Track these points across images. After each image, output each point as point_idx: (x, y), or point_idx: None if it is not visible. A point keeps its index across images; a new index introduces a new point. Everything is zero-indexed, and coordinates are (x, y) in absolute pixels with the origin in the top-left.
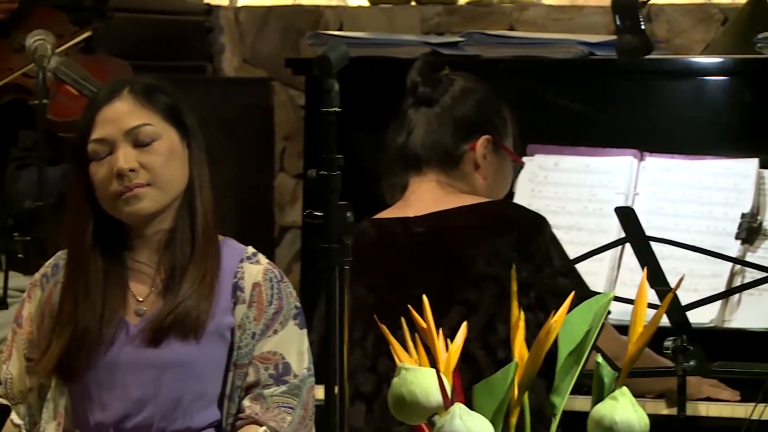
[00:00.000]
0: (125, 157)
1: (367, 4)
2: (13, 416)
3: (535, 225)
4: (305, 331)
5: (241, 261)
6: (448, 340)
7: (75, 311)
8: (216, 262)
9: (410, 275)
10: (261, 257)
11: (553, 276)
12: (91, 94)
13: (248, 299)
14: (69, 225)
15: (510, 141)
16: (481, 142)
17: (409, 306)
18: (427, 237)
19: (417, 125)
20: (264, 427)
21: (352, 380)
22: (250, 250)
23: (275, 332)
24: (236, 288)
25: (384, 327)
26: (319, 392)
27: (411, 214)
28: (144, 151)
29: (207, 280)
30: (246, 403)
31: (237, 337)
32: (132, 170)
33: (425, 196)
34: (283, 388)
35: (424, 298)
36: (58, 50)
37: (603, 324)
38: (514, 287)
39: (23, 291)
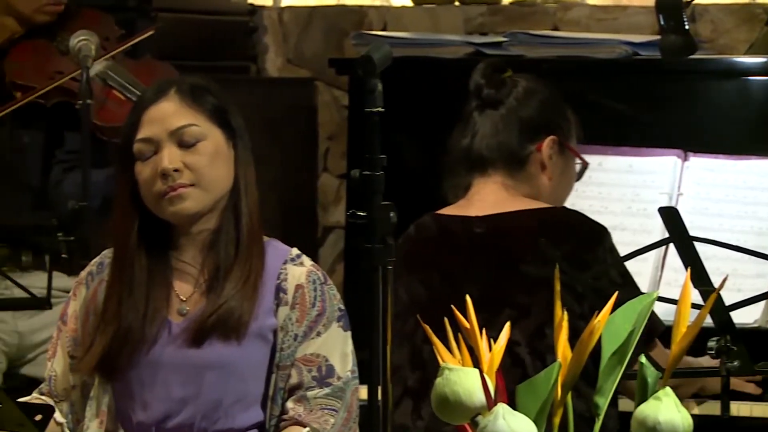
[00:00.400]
0: (170, 156)
1: (410, 4)
2: (56, 414)
3: (595, 234)
4: (349, 333)
5: (285, 263)
6: (491, 341)
7: (119, 309)
8: (260, 263)
9: (465, 274)
10: (305, 259)
11: (608, 286)
12: (143, 87)
13: (291, 301)
14: (115, 224)
15: (574, 142)
16: (547, 143)
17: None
18: (485, 237)
19: (482, 127)
20: (307, 429)
21: (399, 375)
22: (294, 251)
23: (318, 334)
24: (279, 290)
25: (427, 327)
26: (363, 392)
27: (472, 214)
28: (189, 152)
29: (251, 280)
30: (289, 404)
31: (279, 338)
32: (176, 170)
33: (488, 197)
34: (327, 390)
35: (468, 298)
36: (114, 52)
37: (654, 342)
38: (557, 287)
39: (67, 291)
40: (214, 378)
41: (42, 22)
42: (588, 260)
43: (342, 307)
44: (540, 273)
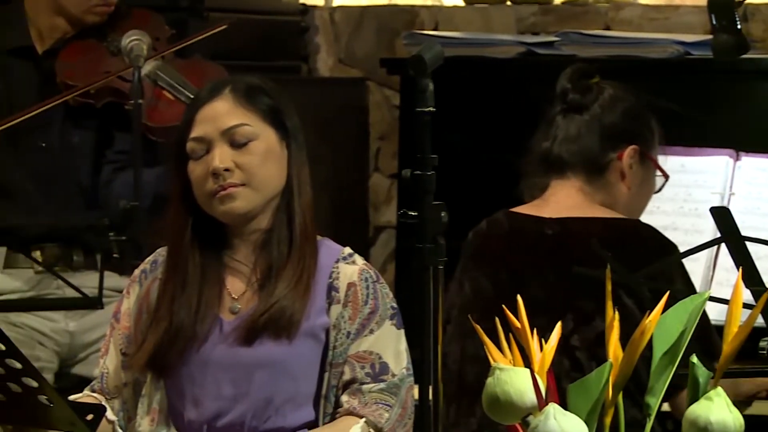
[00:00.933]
0: (221, 156)
1: (462, 3)
2: (108, 412)
3: (665, 249)
4: (402, 331)
5: (337, 261)
6: (543, 341)
7: (171, 307)
8: (313, 262)
9: (532, 274)
10: (357, 258)
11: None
12: (194, 93)
13: (343, 299)
14: (169, 222)
15: (656, 153)
16: (629, 152)
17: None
18: (556, 240)
19: (565, 131)
20: (363, 420)
21: (457, 370)
22: (347, 250)
23: (371, 332)
24: (331, 288)
25: (478, 327)
26: (414, 391)
27: (546, 215)
28: (240, 151)
29: (303, 280)
30: (344, 398)
31: (332, 337)
32: (227, 170)
33: (564, 200)
34: (382, 385)
35: (519, 299)
36: (177, 47)
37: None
38: (609, 287)
39: (118, 291)
40: (264, 376)
41: (92, 22)
42: (655, 273)
43: (395, 305)
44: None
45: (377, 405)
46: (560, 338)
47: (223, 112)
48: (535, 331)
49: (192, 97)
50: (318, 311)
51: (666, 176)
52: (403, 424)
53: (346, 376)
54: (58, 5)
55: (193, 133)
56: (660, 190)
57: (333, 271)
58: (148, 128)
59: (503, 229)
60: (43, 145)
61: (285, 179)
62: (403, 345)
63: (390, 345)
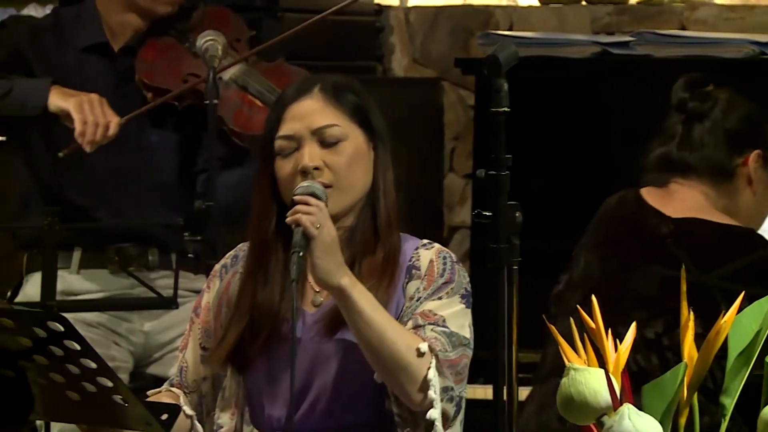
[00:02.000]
0: (311, 154)
1: (537, 3)
2: (185, 407)
3: None
4: (469, 312)
5: (417, 248)
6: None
7: (253, 300)
8: (396, 258)
9: (640, 268)
10: (436, 244)
11: None
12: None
13: (422, 274)
14: (253, 217)
15: None
16: (753, 157)
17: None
18: (672, 239)
19: (687, 138)
20: (427, 343)
21: (553, 350)
22: (426, 240)
23: (440, 298)
24: (411, 268)
25: (552, 326)
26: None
27: (668, 213)
28: (329, 151)
29: (387, 273)
30: None
31: (405, 307)
32: (316, 168)
33: (689, 201)
34: (444, 329)
35: (593, 298)
36: (259, 50)
37: None
38: (684, 287)
39: (193, 291)
40: (343, 368)
41: (163, 13)
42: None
43: (469, 288)
44: (711, 288)
45: (435, 339)
46: (653, 336)
47: (313, 111)
48: (634, 324)
49: None
50: (398, 298)
51: None
52: (453, 371)
53: (408, 326)
54: (127, 0)
55: (282, 131)
56: None
57: (413, 256)
58: (236, 134)
59: (628, 212)
60: (121, 144)
61: (371, 182)
62: (468, 322)
63: (456, 317)
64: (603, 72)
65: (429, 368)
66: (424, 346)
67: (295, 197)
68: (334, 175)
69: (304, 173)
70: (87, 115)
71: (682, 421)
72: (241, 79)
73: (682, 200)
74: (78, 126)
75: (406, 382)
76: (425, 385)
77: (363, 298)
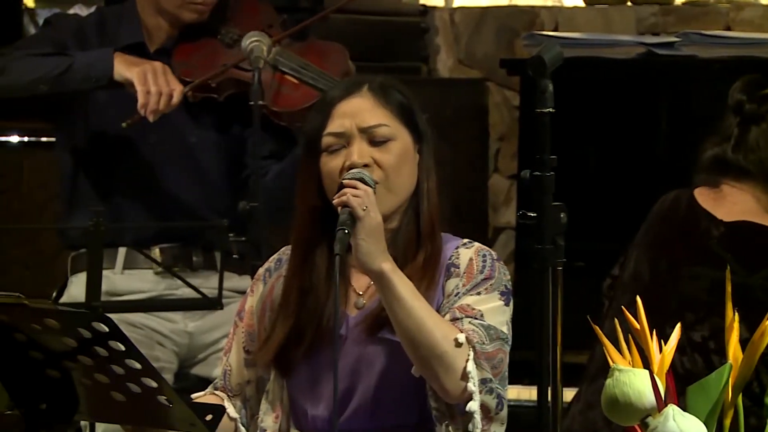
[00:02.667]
0: (360, 152)
1: (582, 4)
2: (230, 410)
3: None
4: (508, 309)
5: (457, 247)
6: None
7: (298, 302)
8: (437, 261)
9: (689, 270)
10: (477, 243)
11: None
12: (317, 74)
13: (461, 272)
14: (297, 215)
15: None
16: None
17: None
18: (721, 242)
19: (743, 140)
20: (465, 334)
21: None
22: (466, 240)
23: (478, 293)
24: (451, 266)
25: (598, 329)
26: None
27: (719, 216)
28: (378, 149)
29: (428, 275)
30: None
31: (443, 303)
32: (366, 165)
33: (740, 204)
34: (482, 322)
35: (638, 299)
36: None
37: None
38: (729, 288)
39: (238, 291)
40: (388, 369)
41: (189, 20)
42: None
43: (509, 286)
44: (758, 292)
45: (473, 331)
46: (700, 340)
47: (363, 110)
48: (678, 326)
49: (315, 77)
50: (438, 296)
51: None
52: (490, 363)
53: (446, 318)
54: (157, 4)
55: (331, 128)
56: None
57: (453, 254)
58: (275, 114)
59: (682, 214)
60: (162, 142)
61: (415, 183)
62: (506, 318)
63: (493, 311)
64: (648, 73)
65: (468, 360)
66: (461, 337)
67: (345, 181)
68: (384, 172)
69: (352, 170)
70: (150, 85)
71: (727, 422)
72: (273, 60)
73: (733, 203)
74: (141, 97)
75: (441, 372)
76: (464, 376)
77: (403, 284)
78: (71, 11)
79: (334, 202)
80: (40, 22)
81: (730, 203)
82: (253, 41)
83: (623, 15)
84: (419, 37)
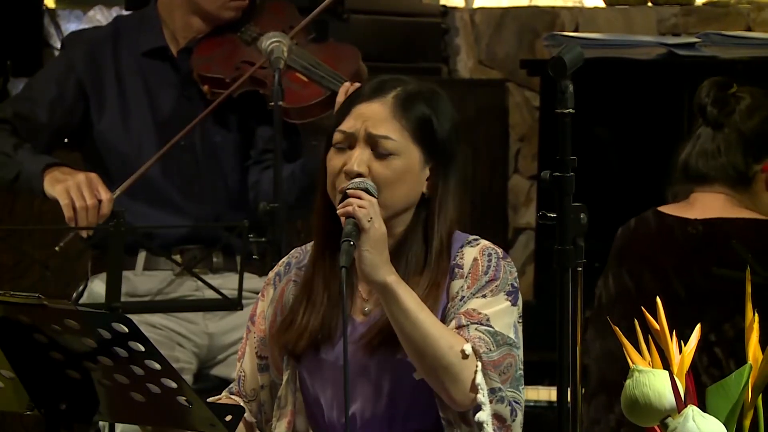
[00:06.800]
0: (359, 159)
1: (603, 5)
2: (246, 414)
3: None
4: (515, 309)
5: (462, 246)
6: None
7: (323, 291)
8: (446, 269)
9: (675, 272)
10: (482, 241)
11: None
12: (328, 73)
13: (466, 273)
14: (316, 205)
15: None
16: None
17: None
18: (701, 239)
19: (706, 145)
20: (471, 344)
21: (598, 367)
22: (472, 237)
23: (484, 296)
24: (454, 267)
25: (616, 328)
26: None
27: (692, 216)
28: (379, 162)
29: (435, 285)
30: None
31: (448, 306)
32: (360, 174)
33: (711, 204)
34: (488, 329)
35: (658, 300)
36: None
37: None
38: (749, 289)
39: (258, 292)
40: (394, 378)
41: (228, 18)
42: None
43: (516, 285)
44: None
45: (479, 340)
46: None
47: (377, 116)
48: (698, 327)
49: (324, 76)
50: (443, 300)
51: None
52: (497, 372)
53: (452, 325)
54: (194, 4)
55: (342, 126)
56: None
57: (457, 254)
58: (284, 110)
59: (650, 228)
60: (183, 144)
61: (416, 197)
62: (513, 320)
63: (499, 314)
64: (669, 73)
65: (476, 371)
66: (468, 348)
67: (348, 190)
68: (376, 186)
69: (348, 175)
70: (75, 200)
71: (747, 423)
72: (287, 58)
73: (702, 205)
74: (66, 213)
75: (448, 382)
76: (474, 388)
77: (407, 296)
78: (90, 13)
79: (339, 212)
80: (61, 23)
81: (699, 207)
82: (274, 42)
83: (644, 15)
84: (440, 38)
